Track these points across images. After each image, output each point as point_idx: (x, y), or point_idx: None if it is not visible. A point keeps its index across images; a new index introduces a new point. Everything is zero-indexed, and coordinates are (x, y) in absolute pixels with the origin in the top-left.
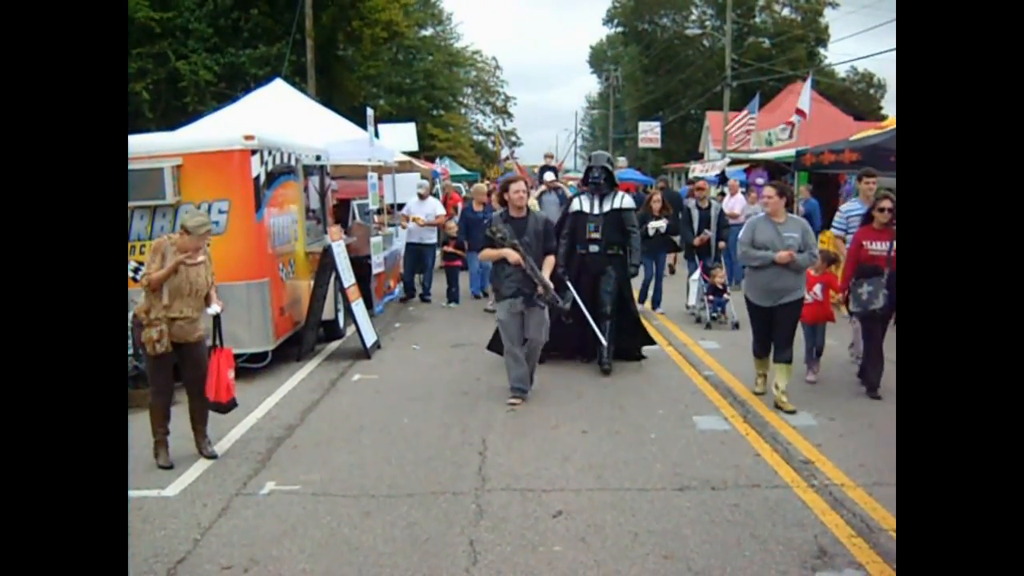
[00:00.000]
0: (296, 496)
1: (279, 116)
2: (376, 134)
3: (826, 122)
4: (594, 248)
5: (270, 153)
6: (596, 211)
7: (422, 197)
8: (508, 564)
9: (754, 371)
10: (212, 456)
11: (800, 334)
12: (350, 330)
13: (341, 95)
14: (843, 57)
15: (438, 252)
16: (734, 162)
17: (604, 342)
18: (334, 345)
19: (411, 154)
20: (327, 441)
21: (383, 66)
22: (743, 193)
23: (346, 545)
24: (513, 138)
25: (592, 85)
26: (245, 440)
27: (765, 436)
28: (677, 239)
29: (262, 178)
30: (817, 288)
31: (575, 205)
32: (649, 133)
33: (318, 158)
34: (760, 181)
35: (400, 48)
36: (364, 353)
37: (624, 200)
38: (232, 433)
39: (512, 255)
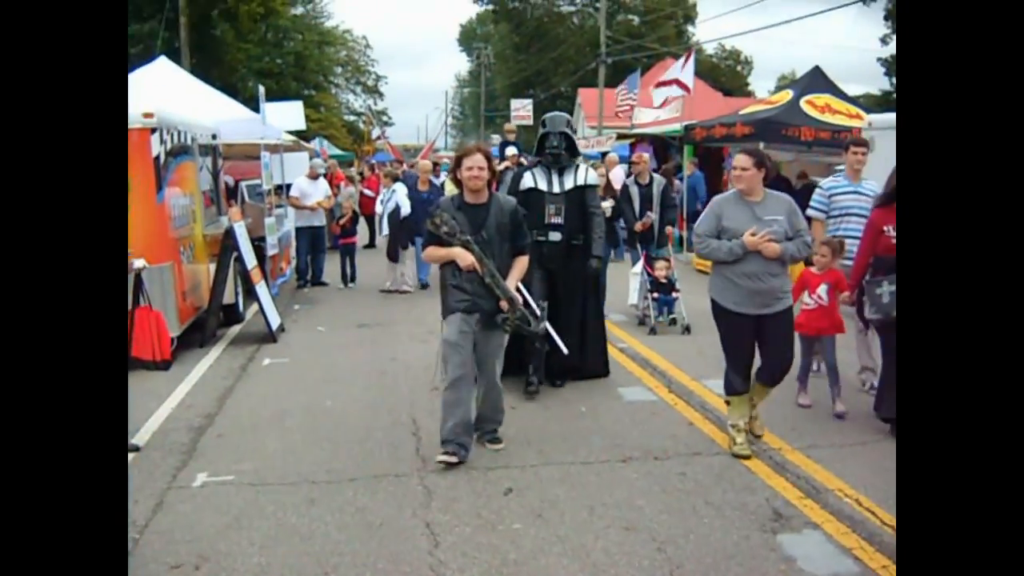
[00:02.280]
0: (232, 487)
1: (166, 95)
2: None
3: (697, 97)
4: (555, 236)
5: (168, 132)
6: (556, 189)
7: (313, 177)
8: (471, 544)
9: (728, 417)
10: (134, 449)
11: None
12: (249, 313)
13: (219, 75)
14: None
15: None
16: (620, 137)
17: (565, 350)
18: (235, 329)
19: (293, 134)
20: (252, 428)
21: (252, 48)
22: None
23: (297, 535)
24: (384, 118)
25: (462, 64)
26: (164, 431)
27: (694, 405)
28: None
29: (162, 158)
30: (822, 289)
31: (527, 181)
32: (521, 111)
33: (214, 137)
34: (646, 155)
35: (271, 28)
36: (270, 336)
37: (589, 175)
38: (149, 424)
39: (464, 257)
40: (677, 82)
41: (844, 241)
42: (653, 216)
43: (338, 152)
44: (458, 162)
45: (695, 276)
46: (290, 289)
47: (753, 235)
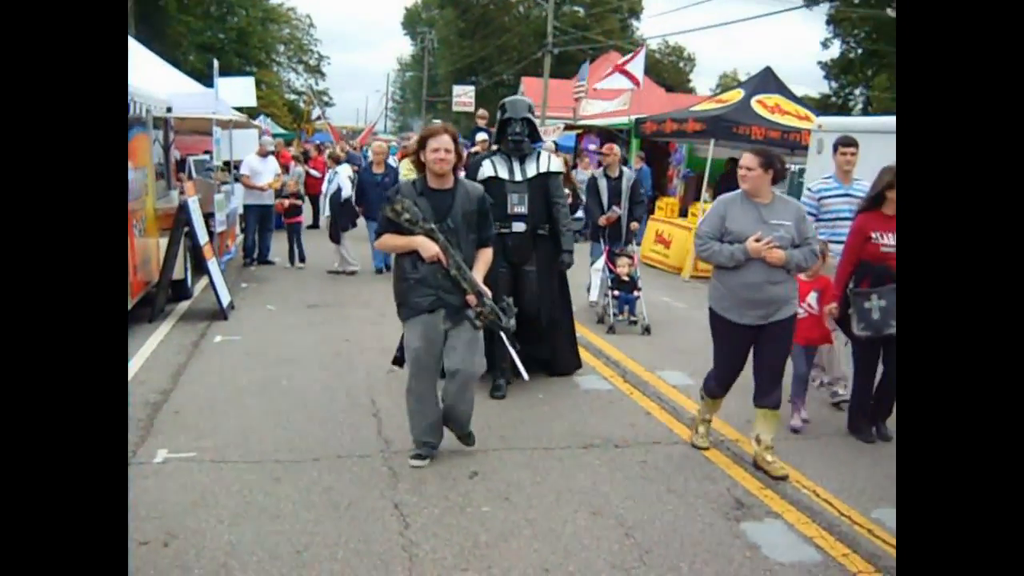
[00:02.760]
0: (195, 464)
1: None
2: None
3: (641, 92)
4: (518, 226)
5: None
6: (518, 177)
7: (263, 155)
8: (441, 526)
9: (696, 414)
10: None
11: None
12: (197, 289)
13: (161, 48)
14: (653, 28)
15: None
16: (568, 127)
17: (514, 355)
18: (184, 305)
19: (240, 110)
20: (209, 405)
21: (195, 21)
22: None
23: (265, 513)
24: (325, 98)
25: (405, 47)
26: None
27: (649, 395)
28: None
29: None
30: (812, 298)
31: (486, 170)
32: (464, 97)
33: (169, 110)
34: (592, 147)
35: (215, 2)
36: (220, 314)
37: (552, 162)
38: None
39: (427, 247)
40: (628, 74)
41: (827, 245)
42: (619, 211)
43: (280, 131)
44: (422, 143)
45: (644, 271)
46: (236, 267)
47: (757, 240)
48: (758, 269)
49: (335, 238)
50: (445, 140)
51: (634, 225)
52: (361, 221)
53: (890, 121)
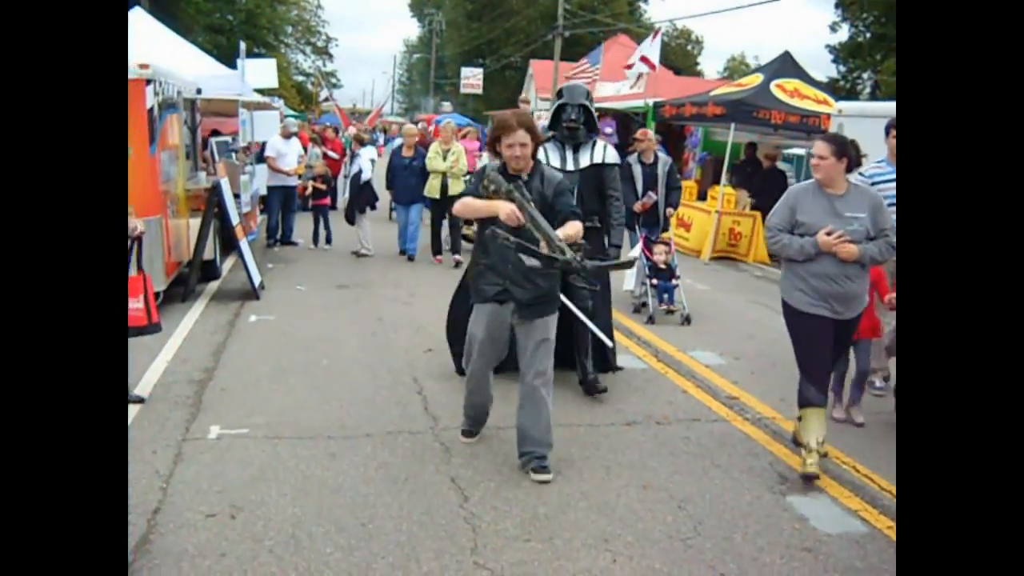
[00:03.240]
0: (249, 440)
1: (151, 47)
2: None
3: (655, 75)
4: None
5: (161, 84)
6: (570, 166)
7: (286, 136)
8: (499, 499)
9: (800, 434)
10: (138, 400)
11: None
12: (224, 269)
13: (174, 29)
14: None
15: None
16: None
17: (609, 343)
18: (214, 285)
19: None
20: (254, 383)
21: (203, 3)
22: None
23: (326, 487)
24: (333, 80)
25: (413, 29)
26: (165, 384)
27: (683, 374)
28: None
29: (155, 110)
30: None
31: (538, 156)
32: (472, 79)
33: (199, 91)
34: (608, 130)
35: None
36: (252, 293)
37: (608, 153)
38: (147, 377)
39: (503, 207)
40: (643, 58)
41: None
42: (655, 197)
43: (291, 113)
44: (497, 138)
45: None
46: (259, 248)
47: (829, 234)
48: (832, 262)
49: (351, 219)
50: (520, 136)
51: (670, 211)
52: (382, 204)
53: None
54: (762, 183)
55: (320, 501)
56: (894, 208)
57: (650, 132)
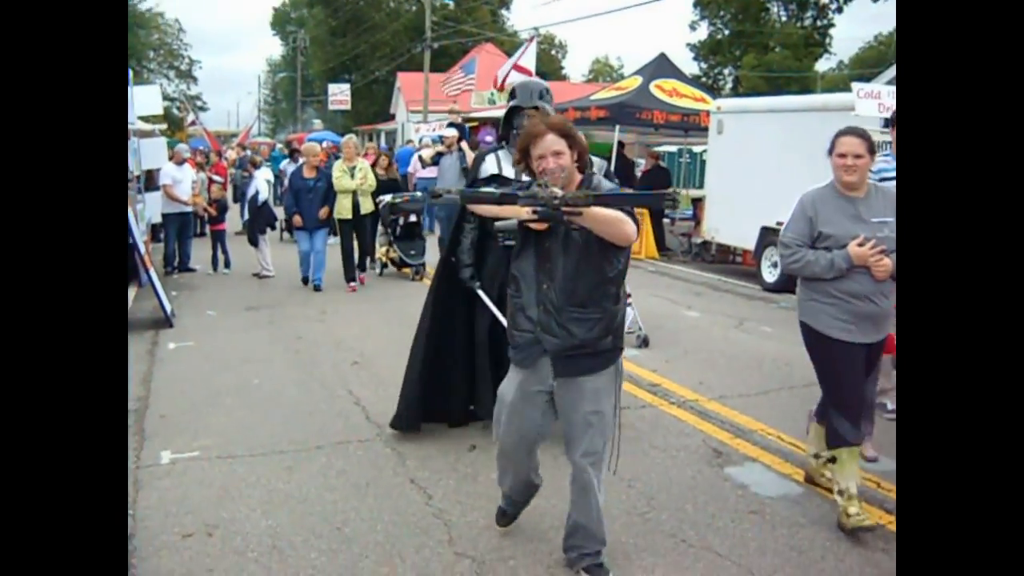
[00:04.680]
0: (204, 462)
1: None
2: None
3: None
4: None
5: None
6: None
7: (178, 162)
8: (461, 494)
9: (838, 478)
10: None
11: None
12: (129, 300)
13: None
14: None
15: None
16: (466, 120)
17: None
18: None
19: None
20: (192, 408)
21: None
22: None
23: (292, 499)
24: (199, 103)
25: (276, 48)
26: None
27: None
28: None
29: None
30: None
31: (488, 166)
32: (340, 95)
33: None
34: (488, 138)
35: None
36: (165, 321)
37: None
38: None
39: (519, 211)
40: (518, 67)
41: None
42: None
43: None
44: (525, 152)
45: None
46: (158, 276)
47: (861, 245)
48: (862, 277)
49: (254, 241)
50: (550, 142)
51: None
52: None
53: (785, 100)
54: (645, 182)
55: (291, 512)
56: None
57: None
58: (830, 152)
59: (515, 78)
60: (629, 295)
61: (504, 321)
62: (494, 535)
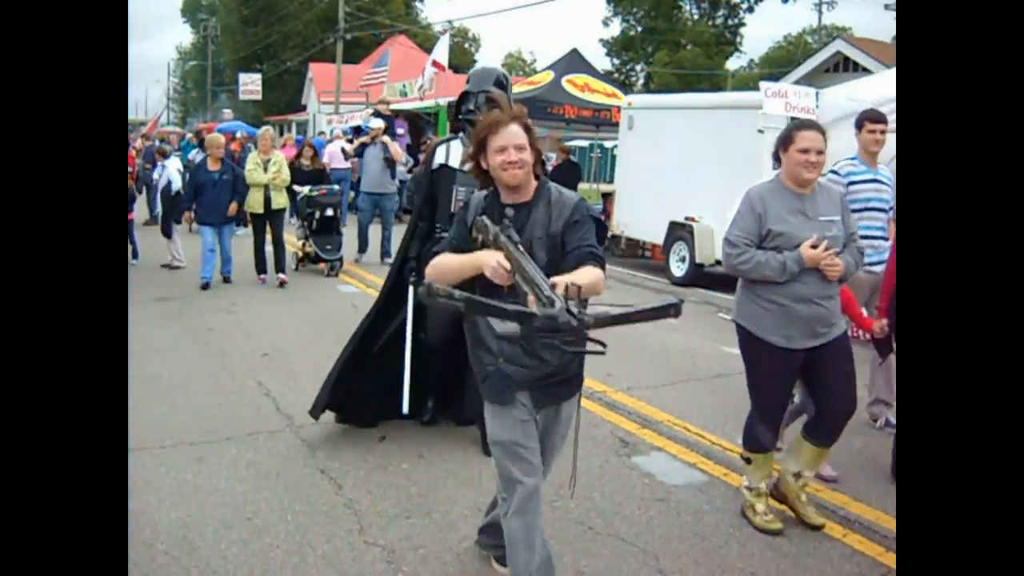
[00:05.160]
0: None
1: None
2: None
3: (446, 76)
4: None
5: None
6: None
7: None
8: (371, 484)
9: (754, 484)
10: None
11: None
12: None
13: None
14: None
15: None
16: (376, 113)
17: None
18: None
19: None
20: None
21: None
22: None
23: (202, 490)
24: None
25: (186, 36)
26: None
27: None
28: None
29: None
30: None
31: (439, 156)
32: (250, 85)
33: None
34: (400, 131)
35: None
36: None
37: None
38: None
39: (488, 260)
40: (433, 62)
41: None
42: None
43: None
44: (481, 144)
45: None
46: None
47: (814, 246)
48: (810, 280)
49: (168, 232)
50: (513, 133)
51: None
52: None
53: (696, 98)
54: (556, 176)
55: (201, 503)
56: (872, 213)
57: None
58: (784, 147)
59: (430, 72)
60: None
61: (409, 325)
62: (404, 524)
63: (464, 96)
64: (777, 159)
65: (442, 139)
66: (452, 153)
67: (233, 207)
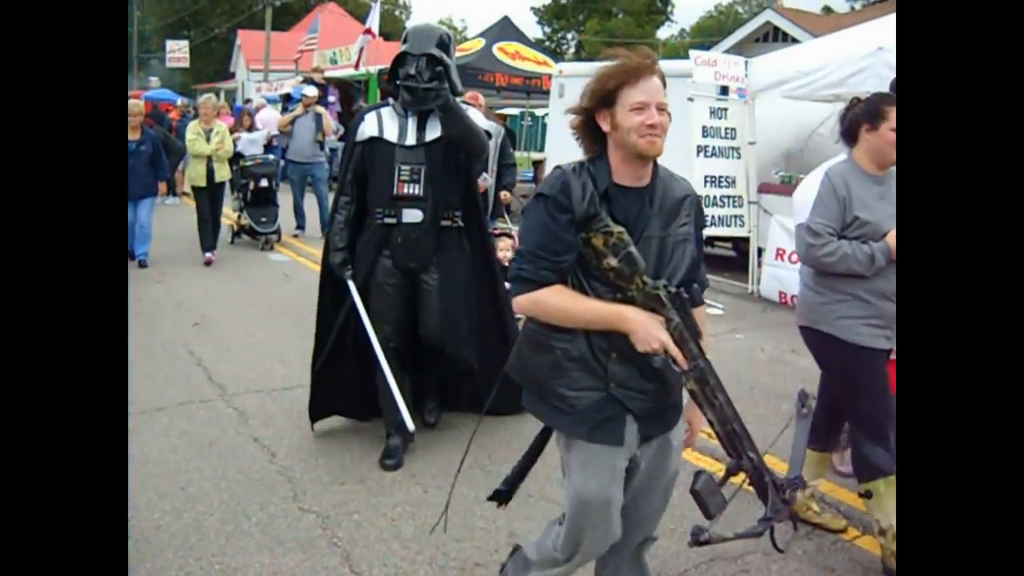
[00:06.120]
0: None
1: None
2: None
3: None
4: (412, 214)
5: None
6: (411, 140)
7: None
8: (304, 452)
9: (885, 522)
10: None
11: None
12: None
13: None
14: None
15: None
16: (306, 80)
17: (409, 425)
18: None
19: None
20: None
21: None
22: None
23: (135, 460)
24: None
25: None
26: None
27: None
28: None
29: None
30: None
31: (368, 127)
32: (177, 52)
33: None
34: (332, 99)
35: None
36: None
37: (475, 119)
38: None
39: (642, 326)
40: (367, 31)
41: None
42: (489, 178)
43: None
44: (608, 96)
45: None
46: None
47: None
48: (890, 275)
49: None
50: (657, 88)
51: (505, 195)
52: None
53: None
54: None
55: (134, 473)
56: None
57: (480, 95)
58: (873, 123)
59: (362, 41)
60: None
61: (366, 320)
62: (338, 491)
63: (401, 58)
64: (852, 138)
65: (370, 106)
66: (385, 124)
67: (163, 187)
